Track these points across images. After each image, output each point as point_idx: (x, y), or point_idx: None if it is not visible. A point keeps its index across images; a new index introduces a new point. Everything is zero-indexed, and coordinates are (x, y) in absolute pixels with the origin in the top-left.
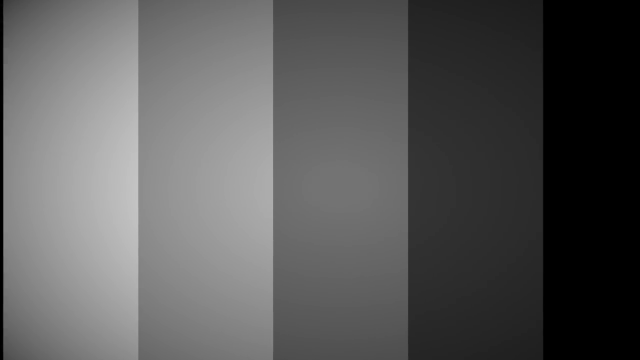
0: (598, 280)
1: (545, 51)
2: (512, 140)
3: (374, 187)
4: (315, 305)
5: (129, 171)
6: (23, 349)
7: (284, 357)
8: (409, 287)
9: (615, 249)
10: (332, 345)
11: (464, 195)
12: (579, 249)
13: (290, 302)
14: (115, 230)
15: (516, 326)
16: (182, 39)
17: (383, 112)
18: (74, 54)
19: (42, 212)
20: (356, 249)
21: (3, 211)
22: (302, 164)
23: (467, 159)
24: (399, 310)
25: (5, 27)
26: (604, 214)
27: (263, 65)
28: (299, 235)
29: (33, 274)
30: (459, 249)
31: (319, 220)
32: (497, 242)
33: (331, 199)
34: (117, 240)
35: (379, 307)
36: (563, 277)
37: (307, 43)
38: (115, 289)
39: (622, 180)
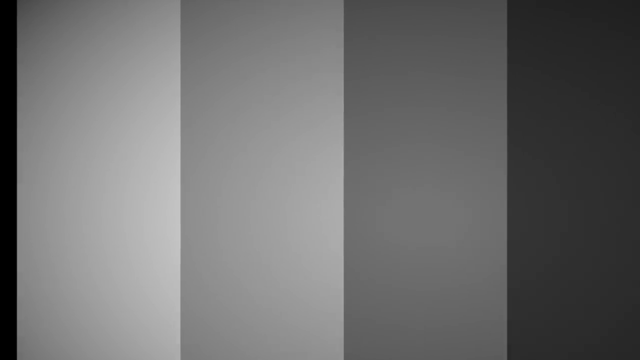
0: None
1: None
2: (635, 159)
3: (465, 217)
4: None
5: (169, 197)
6: None
7: None
8: (508, 338)
9: None
10: None
11: (575, 227)
12: None
13: (364, 356)
14: (153, 270)
15: None
16: (234, 40)
17: (477, 126)
18: (103, 55)
19: (66, 246)
20: (444, 293)
21: (18, 251)
22: (378, 189)
23: (579, 183)
24: None
25: (20, 28)
26: None
27: (331, 70)
28: (375, 276)
29: (60, 324)
30: (570, 293)
31: (398, 258)
32: (618, 287)
33: (413, 231)
34: (156, 279)
35: None
36: None
37: (385, 44)
38: (155, 341)
39: None
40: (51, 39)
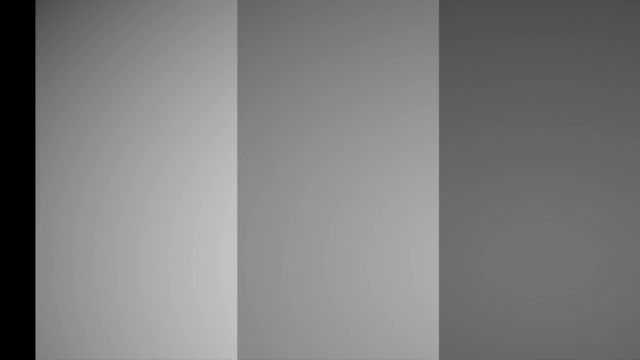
0: None
1: None
2: None
3: (590, 261)
4: None
5: (224, 233)
6: None
7: None
8: None
9: None
10: None
11: None
12: None
13: None
14: (205, 329)
15: None
16: (306, 41)
17: (604, 148)
18: (145, 58)
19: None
20: (564, 353)
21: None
22: (480, 226)
23: None
24: None
25: (40, 33)
26: None
27: (423, 79)
28: (478, 334)
29: None
30: None
31: (506, 311)
32: None
33: (524, 278)
34: (208, 336)
35: None
36: None
37: (489, 45)
38: None
39: None
40: (92, 40)
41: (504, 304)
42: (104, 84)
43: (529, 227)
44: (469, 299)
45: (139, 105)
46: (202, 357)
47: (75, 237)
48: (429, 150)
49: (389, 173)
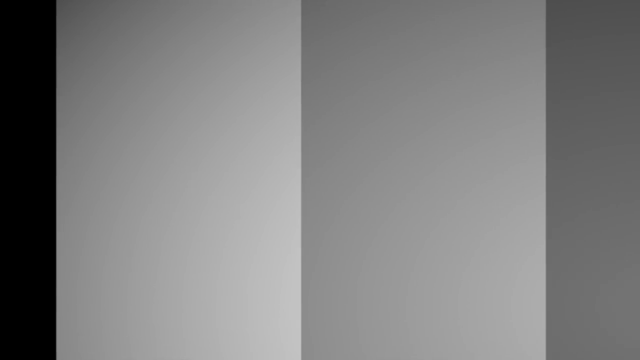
0: None
1: None
2: None
3: None
4: None
5: (286, 270)
6: None
7: None
8: None
9: None
10: None
11: None
12: None
13: None
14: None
15: None
16: (375, 42)
17: None
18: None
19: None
20: None
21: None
22: (594, 266)
23: None
24: None
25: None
26: None
27: (527, 86)
28: None
29: None
30: None
31: None
32: None
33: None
34: None
35: None
36: None
37: (607, 46)
38: None
39: None
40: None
41: (623, 359)
42: (154, 87)
43: None
44: (581, 353)
45: (192, 111)
46: None
47: (112, 245)
48: (534, 173)
49: (485, 201)
